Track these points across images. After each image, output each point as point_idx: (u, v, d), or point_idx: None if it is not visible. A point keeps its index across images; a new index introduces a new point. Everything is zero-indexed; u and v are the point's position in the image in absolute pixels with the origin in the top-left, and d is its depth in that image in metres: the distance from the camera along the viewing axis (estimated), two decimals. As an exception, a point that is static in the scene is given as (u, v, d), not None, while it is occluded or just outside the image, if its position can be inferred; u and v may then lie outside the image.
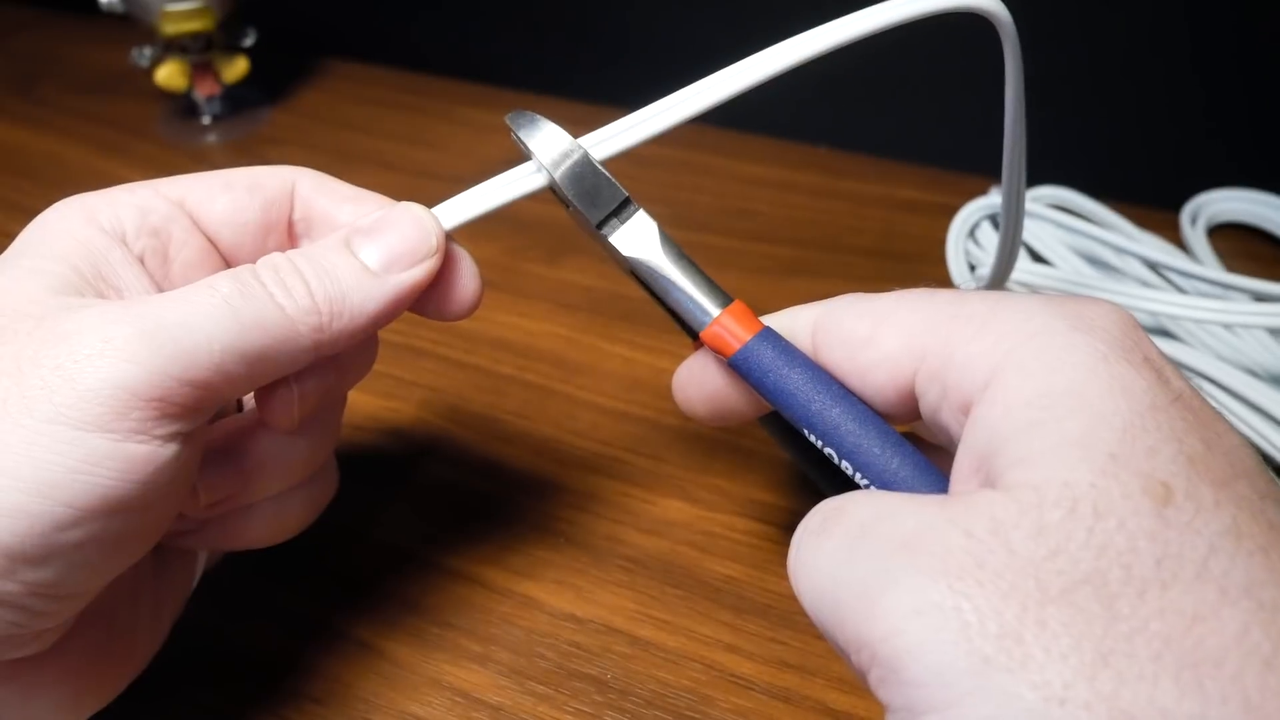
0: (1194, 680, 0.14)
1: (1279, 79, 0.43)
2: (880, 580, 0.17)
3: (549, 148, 0.24)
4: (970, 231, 0.41)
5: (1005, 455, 0.18)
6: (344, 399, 0.27)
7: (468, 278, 0.25)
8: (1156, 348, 0.19)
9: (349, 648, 0.28)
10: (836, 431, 0.21)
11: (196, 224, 0.24)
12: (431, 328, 0.40)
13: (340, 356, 0.24)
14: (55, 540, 0.19)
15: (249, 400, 0.27)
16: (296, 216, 0.25)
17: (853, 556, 0.18)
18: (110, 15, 0.51)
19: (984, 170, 0.47)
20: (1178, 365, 0.34)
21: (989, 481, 0.18)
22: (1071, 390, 0.18)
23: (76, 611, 0.21)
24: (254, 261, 0.24)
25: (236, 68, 0.54)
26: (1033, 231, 0.40)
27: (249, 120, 0.55)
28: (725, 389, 0.24)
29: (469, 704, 0.27)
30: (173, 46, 0.52)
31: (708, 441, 0.35)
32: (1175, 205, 0.44)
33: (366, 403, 0.36)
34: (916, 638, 0.16)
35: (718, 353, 0.23)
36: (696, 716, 0.26)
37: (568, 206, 0.24)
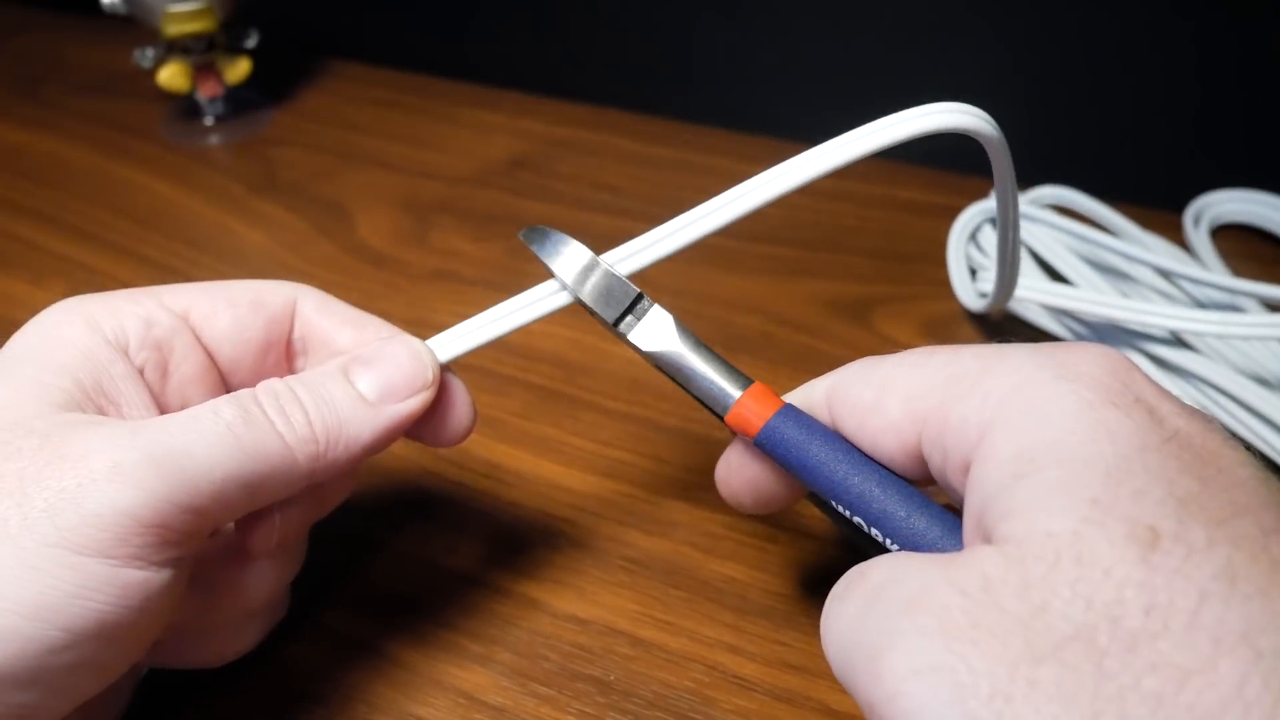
0: None
1: (1279, 79, 0.43)
2: (885, 641, 0.17)
3: (570, 265, 0.24)
4: (972, 235, 0.41)
5: (994, 510, 0.18)
6: (309, 526, 0.27)
7: (462, 407, 0.25)
8: (1153, 386, 0.18)
9: (351, 649, 0.28)
10: (861, 499, 0.21)
11: (198, 338, 0.24)
12: (433, 328, 0.40)
13: (322, 484, 0.24)
14: (45, 664, 0.19)
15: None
16: (295, 335, 0.25)
17: (864, 618, 0.18)
18: (113, 16, 0.51)
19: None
20: (1191, 375, 0.34)
21: (985, 538, 0.18)
22: (1055, 440, 0.17)
23: None
24: (251, 378, 0.25)
25: (239, 69, 0.54)
26: (1041, 240, 0.40)
27: (251, 121, 0.55)
28: (764, 476, 0.24)
29: (471, 705, 0.27)
30: (175, 48, 0.52)
31: (709, 443, 0.34)
32: (1176, 206, 0.44)
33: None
34: (917, 700, 0.16)
35: (743, 434, 0.23)
36: (699, 718, 0.26)
37: (586, 308, 0.25)
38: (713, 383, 0.23)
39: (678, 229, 0.25)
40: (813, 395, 0.23)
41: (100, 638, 0.19)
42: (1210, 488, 0.16)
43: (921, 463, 0.21)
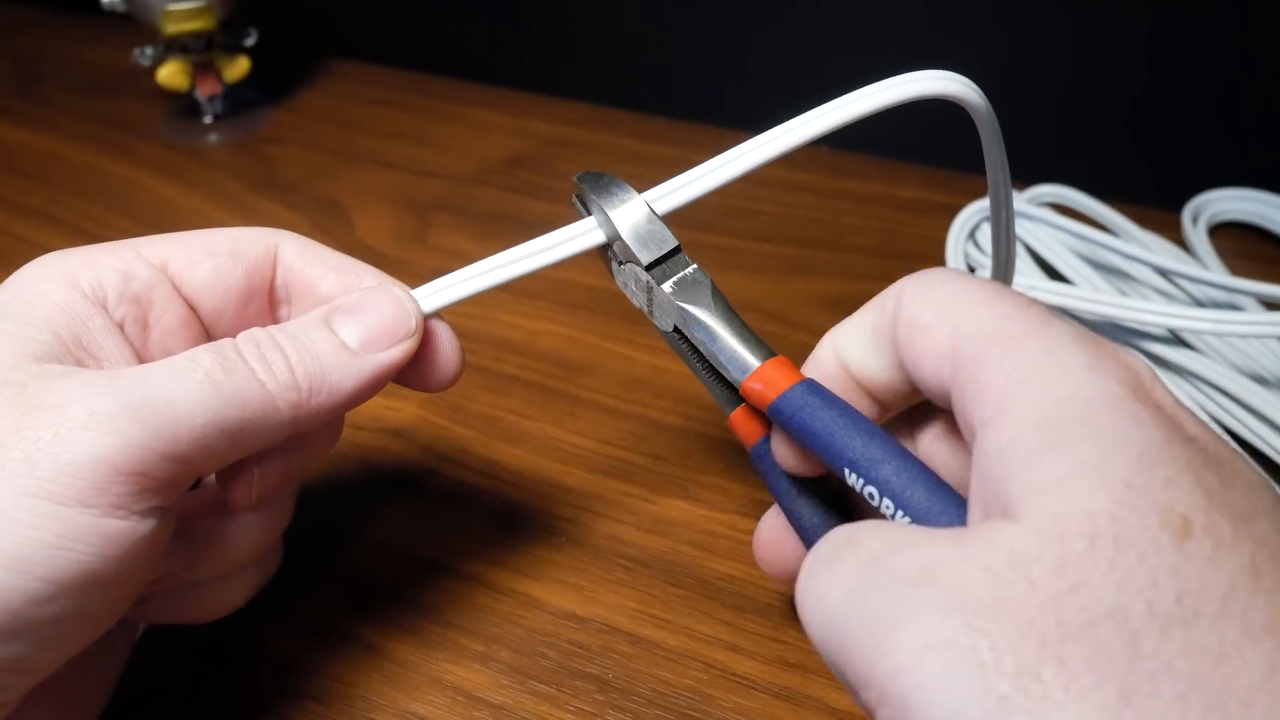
0: None
1: (1278, 79, 0.43)
2: (892, 615, 0.16)
3: (616, 204, 0.24)
4: (970, 233, 0.41)
5: (1020, 481, 0.17)
6: (299, 479, 0.27)
7: (449, 353, 0.25)
8: (1172, 397, 0.19)
9: (350, 647, 0.28)
10: (878, 469, 0.21)
11: (178, 289, 0.24)
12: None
13: (305, 436, 0.23)
14: (28, 615, 0.19)
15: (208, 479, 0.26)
16: (278, 283, 0.25)
17: (863, 589, 0.17)
18: (112, 15, 0.51)
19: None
20: (1190, 374, 0.34)
21: (1003, 509, 0.17)
22: (1083, 419, 0.17)
23: (34, 685, 0.21)
24: (233, 328, 0.24)
25: (238, 67, 0.54)
26: (1040, 238, 0.40)
27: (250, 120, 0.55)
28: (795, 556, 0.24)
29: (470, 703, 0.27)
30: (174, 46, 0.52)
31: (709, 441, 0.35)
32: (1175, 205, 0.44)
33: (368, 402, 0.36)
34: (929, 676, 0.15)
35: (756, 404, 0.23)
36: (698, 716, 0.26)
37: (614, 262, 0.25)
38: (733, 348, 0.23)
39: (700, 175, 0.25)
40: (827, 354, 0.23)
41: (84, 588, 0.19)
42: (1229, 486, 0.17)
43: (947, 394, 0.21)
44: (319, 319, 0.23)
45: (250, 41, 0.54)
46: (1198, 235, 0.42)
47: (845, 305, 0.41)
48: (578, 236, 0.25)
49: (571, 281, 0.42)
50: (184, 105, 0.56)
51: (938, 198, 0.47)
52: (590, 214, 0.25)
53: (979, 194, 0.43)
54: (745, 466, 0.33)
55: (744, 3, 0.51)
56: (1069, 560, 0.16)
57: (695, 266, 0.24)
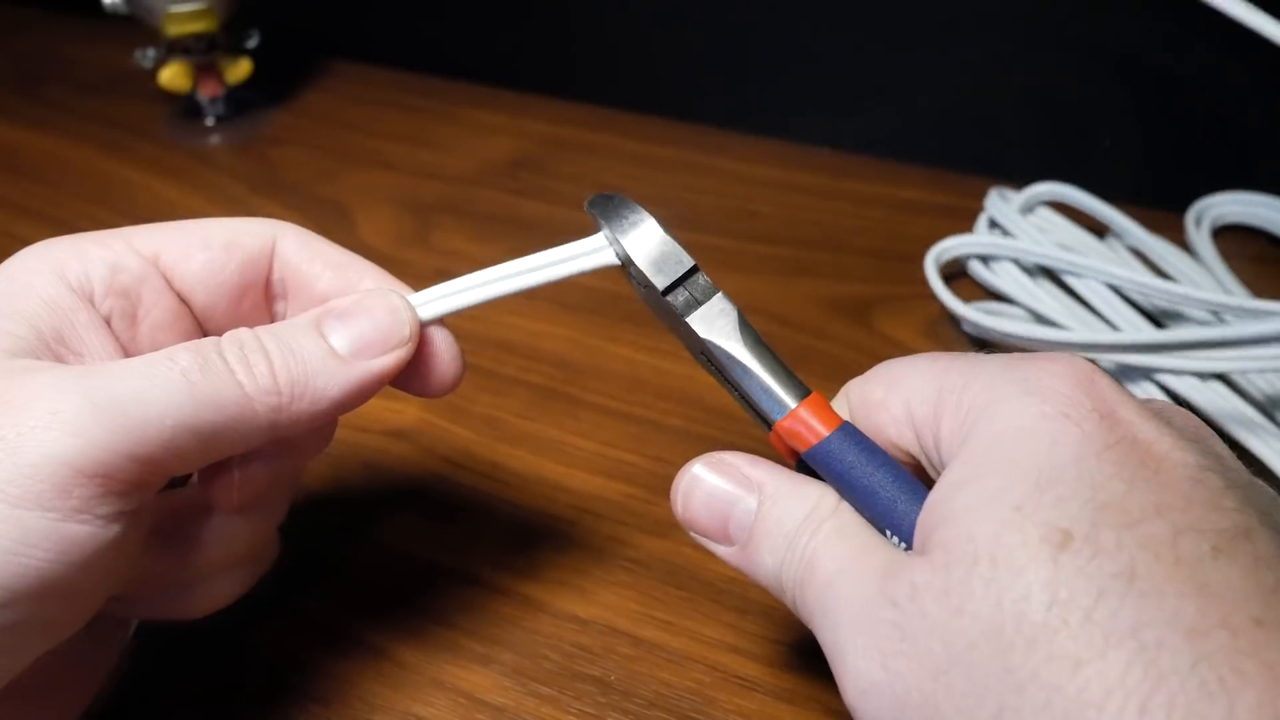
0: None
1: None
2: (836, 656, 0.19)
3: (628, 227, 0.24)
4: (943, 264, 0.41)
5: (931, 517, 0.19)
6: (294, 479, 0.26)
7: (447, 360, 0.24)
8: (1118, 391, 0.19)
9: (352, 648, 0.28)
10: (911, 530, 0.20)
11: (169, 282, 0.23)
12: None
13: (291, 439, 0.23)
14: None
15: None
16: (275, 278, 0.24)
17: (821, 617, 0.20)
18: (114, 16, 0.51)
19: (984, 170, 0.47)
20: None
21: (921, 545, 0.19)
22: (1002, 453, 0.18)
23: None
24: (227, 322, 0.24)
25: (240, 69, 0.54)
26: (1093, 289, 0.39)
27: (252, 121, 0.55)
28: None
29: (472, 705, 0.27)
30: (176, 47, 0.52)
31: (710, 442, 0.35)
32: (1177, 209, 0.44)
33: (369, 404, 0.36)
34: (867, 716, 0.18)
35: (792, 446, 0.22)
36: (700, 717, 0.26)
37: (636, 283, 0.24)
38: (767, 387, 0.22)
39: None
40: (848, 396, 0.23)
41: (42, 595, 0.18)
42: (1137, 489, 0.17)
43: (916, 457, 0.22)
44: (309, 322, 0.22)
45: (252, 43, 0.54)
46: (1201, 238, 0.42)
47: (845, 306, 0.41)
48: (589, 254, 0.24)
49: (572, 283, 0.42)
50: (186, 107, 0.56)
51: (938, 198, 0.47)
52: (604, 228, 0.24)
53: (979, 195, 0.43)
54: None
55: (744, 3, 0.51)
56: (952, 585, 0.17)
57: (720, 294, 0.23)
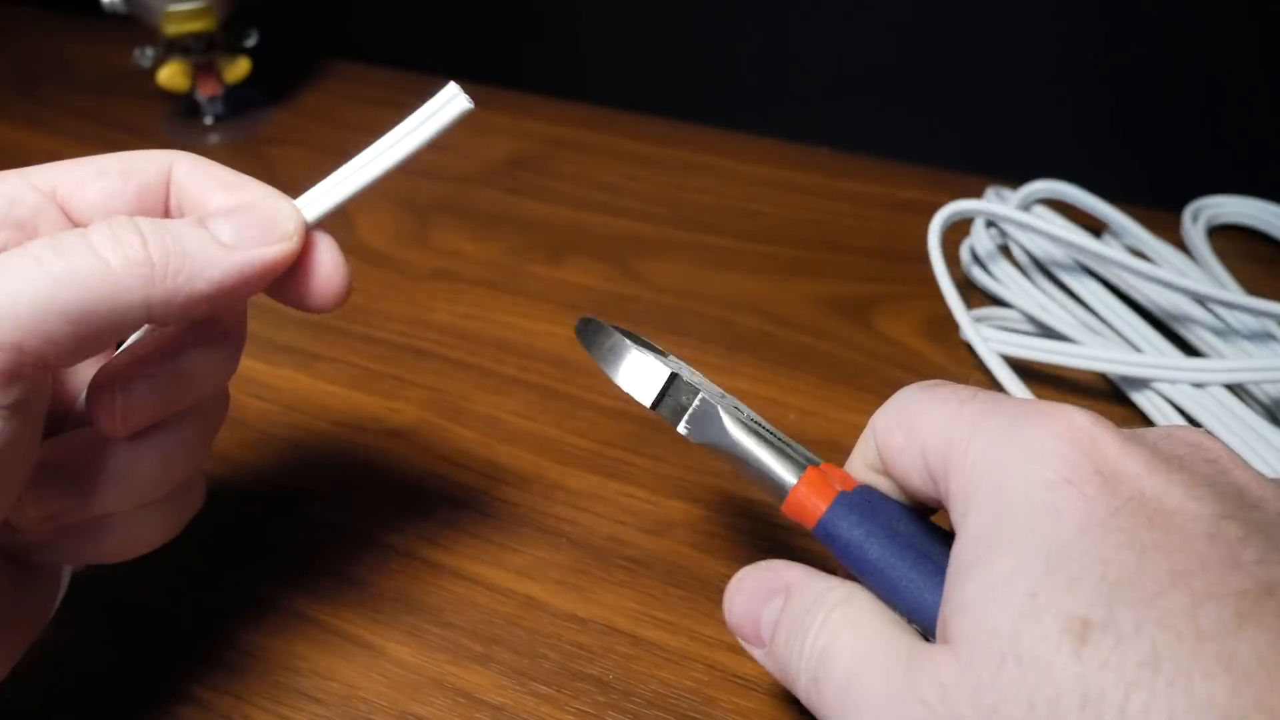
0: None
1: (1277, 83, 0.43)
2: None
3: (607, 351, 0.25)
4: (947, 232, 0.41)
5: (949, 602, 0.18)
6: (212, 420, 0.26)
7: (330, 269, 0.24)
8: (1120, 445, 0.18)
9: (351, 648, 0.28)
10: (924, 612, 0.20)
11: (68, 214, 0.23)
12: (433, 328, 0.40)
13: (182, 369, 0.23)
14: None
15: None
16: (171, 204, 0.24)
17: (842, 714, 0.19)
18: (112, 16, 0.51)
19: (984, 170, 0.47)
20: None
21: (943, 630, 0.19)
22: (1009, 529, 0.18)
23: None
24: None
25: (238, 68, 0.54)
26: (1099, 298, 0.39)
27: (251, 121, 0.55)
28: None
29: (471, 704, 0.27)
30: (175, 47, 0.52)
31: (709, 442, 0.35)
32: (1173, 209, 0.44)
33: (368, 403, 0.36)
34: None
35: (802, 525, 0.22)
36: (699, 717, 0.26)
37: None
38: (765, 472, 0.23)
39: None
40: (868, 444, 0.23)
41: None
42: (1149, 558, 0.17)
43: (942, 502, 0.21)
44: (193, 219, 0.22)
45: (251, 42, 0.54)
46: (1197, 237, 0.42)
47: (845, 306, 0.41)
48: (444, 106, 0.25)
49: (572, 282, 0.42)
50: (184, 106, 0.56)
51: (938, 198, 0.47)
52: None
53: (977, 194, 0.43)
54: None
55: (744, 4, 0.51)
56: (982, 684, 0.17)
57: (701, 396, 0.24)
